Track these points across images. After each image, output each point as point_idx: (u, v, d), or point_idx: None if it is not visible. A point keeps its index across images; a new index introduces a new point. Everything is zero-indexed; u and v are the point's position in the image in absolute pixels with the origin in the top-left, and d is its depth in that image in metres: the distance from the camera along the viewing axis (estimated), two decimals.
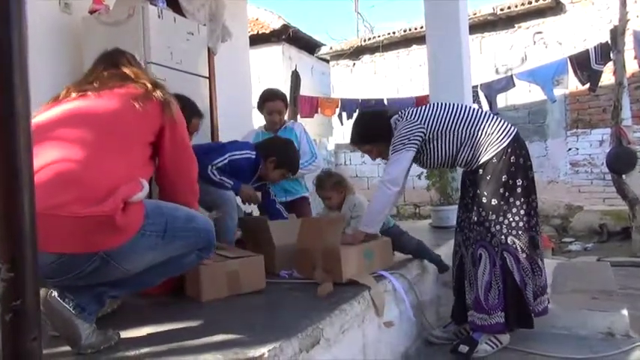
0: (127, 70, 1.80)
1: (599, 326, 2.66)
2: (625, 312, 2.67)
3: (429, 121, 2.44)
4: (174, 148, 1.79)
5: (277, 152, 2.89)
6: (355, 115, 7.90)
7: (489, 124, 2.40)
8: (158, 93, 1.73)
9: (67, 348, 1.53)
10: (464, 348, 2.38)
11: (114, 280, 1.57)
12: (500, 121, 2.44)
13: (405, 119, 2.48)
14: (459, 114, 2.45)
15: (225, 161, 2.80)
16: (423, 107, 2.54)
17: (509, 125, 2.44)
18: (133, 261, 1.51)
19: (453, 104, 2.53)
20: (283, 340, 1.51)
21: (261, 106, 3.58)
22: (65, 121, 1.60)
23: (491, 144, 2.37)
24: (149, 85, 1.74)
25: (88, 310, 1.52)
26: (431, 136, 2.44)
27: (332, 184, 2.80)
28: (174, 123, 1.76)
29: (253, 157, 2.87)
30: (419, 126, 2.43)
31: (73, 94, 1.68)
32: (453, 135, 2.42)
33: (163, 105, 1.72)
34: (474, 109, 2.52)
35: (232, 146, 2.88)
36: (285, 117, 3.72)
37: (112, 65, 1.82)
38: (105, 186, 1.45)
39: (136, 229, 1.47)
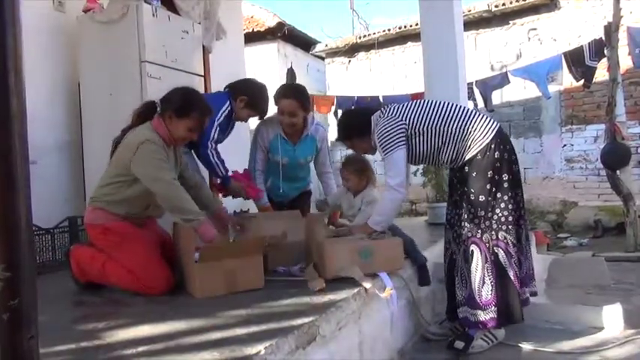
0: None
1: (593, 321, 2.68)
2: (619, 307, 2.69)
3: (409, 118, 2.45)
4: None
5: (248, 93, 3.00)
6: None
7: (472, 121, 2.41)
8: None
9: (64, 347, 1.54)
10: (459, 344, 2.40)
11: None
12: (482, 117, 2.45)
13: (385, 116, 2.49)
14: (441, 111, 2.45)
15: (218, 129, 2.82)
16: (406, 104, 2.55)
17: (492, 121, 2.45)
18: None
19: (436, 101, 2.53)
20: (280, 337, 1.52)
21: (275, 102, 3.21)
22: None
23: (475, 141, 2.37)
24: None
25: None
26: (412, 133, 2.44)
27: (358, 166, 2.88)
28: None
29: (229, 107, 2.93)
30: (399, 122, 2.44)
31: None
32: (435, 132, 2.42)
33: None
34: (457, 107, 2.51)
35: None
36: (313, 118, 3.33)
37: None
38: None
39: None
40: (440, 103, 2.51)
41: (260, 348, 1.43)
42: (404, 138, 2.43)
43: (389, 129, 2.43)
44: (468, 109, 2.54)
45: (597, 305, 2.74)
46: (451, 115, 2.44)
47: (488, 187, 2.35)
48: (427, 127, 2.43)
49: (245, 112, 3.02)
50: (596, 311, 2.70)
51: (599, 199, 7.64)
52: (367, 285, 2.13)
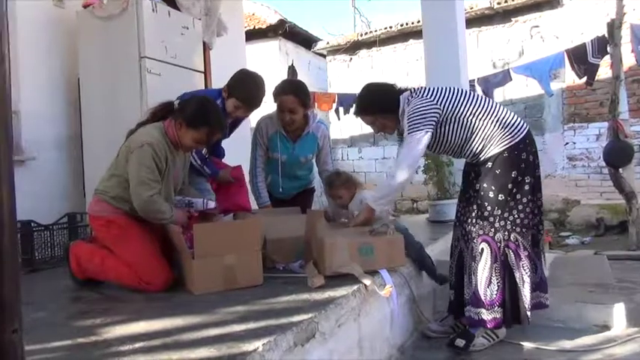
0: None
1: (595, 319, 2.66)
2: (621, 305, 2.67)
3: (444, 103, 2.36)
4: None
5: (230, 80, 2.83)
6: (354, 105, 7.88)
7: (504, 117, 2.35)
8: None
9: (61, 343, 1.53)
10: (460, 342, 2.38)
11: None
12: (514, 116, 2.40)
13: (420, 96, 2.39)
14: (475, 102, 2.38)
15: None
16: (439, 88, 2.44)
17: (523, 121, 2.40)
18: None
19: (470, 92, 2.47)
20: (278, 333, 1.50)
21: (274, 99, 3.07)
22: None
23: (504, 137, 2.32)
24: None
25: None
26: (444, 120, 2.36)
27: (342, 182, 2.77)
28: None
29: (222, 107, 2.77)
30: (435, 106, 2.34)
31: None
32: (467, 122, 2.35)
33: None
34: (489, 100, 2.45)
35: None
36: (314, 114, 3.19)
37: None
38: None
39: None
40: (475, 94, 2.45)
41: (258, 344, 1.41)
42: (434, 123, 2.34)
43: (422, 111, 2.33)
44: (501, 106, 2.47)
45: (599, 303, 2.72)
46: (485, 107, 2.37)
47: (509, 186, 2.31)
48: (460, 116, 2.35)
49: (230, 103, 2.79)
50: (598, 309, 2.68)
51: (601, 198, 7.62)
52: (367, 282, 2.11)
